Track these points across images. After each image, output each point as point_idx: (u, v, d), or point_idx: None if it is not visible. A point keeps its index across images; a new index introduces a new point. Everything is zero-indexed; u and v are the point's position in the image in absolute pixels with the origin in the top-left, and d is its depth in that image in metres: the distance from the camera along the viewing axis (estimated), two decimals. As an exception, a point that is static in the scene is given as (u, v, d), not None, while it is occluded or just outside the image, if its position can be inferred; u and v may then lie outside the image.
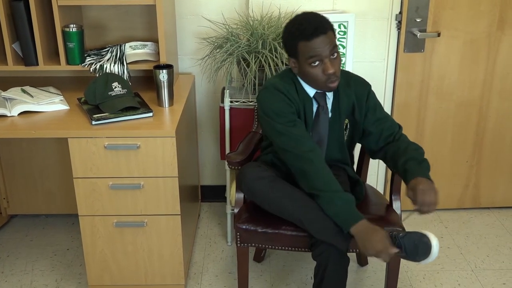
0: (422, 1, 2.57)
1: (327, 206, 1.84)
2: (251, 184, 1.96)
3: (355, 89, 2.05)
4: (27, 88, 2.34)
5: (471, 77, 2.75)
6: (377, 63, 2.74)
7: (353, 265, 2.55)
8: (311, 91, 2.01)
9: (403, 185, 2.03)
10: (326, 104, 2.02)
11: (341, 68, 1.98)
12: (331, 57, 1.89)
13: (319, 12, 1.95)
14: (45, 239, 2.77)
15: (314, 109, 2.03)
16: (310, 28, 1.86)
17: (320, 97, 2.01)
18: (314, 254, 1.93)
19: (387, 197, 2.21)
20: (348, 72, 2.12)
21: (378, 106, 2.08)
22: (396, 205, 2.12)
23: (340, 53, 2.53)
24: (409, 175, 1.87)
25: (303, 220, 1.88)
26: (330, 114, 2.04)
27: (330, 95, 2.03)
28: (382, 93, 2.78)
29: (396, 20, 2.65)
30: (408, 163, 1.90)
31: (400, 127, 2.08)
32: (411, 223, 2.88)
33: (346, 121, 2.08)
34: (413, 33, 2.62)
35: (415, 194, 1.80)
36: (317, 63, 1.88)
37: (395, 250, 1.75)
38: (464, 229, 2.87)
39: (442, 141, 2.87)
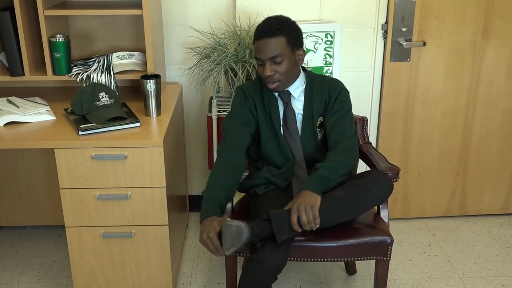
0: (407, 11, 2.60)
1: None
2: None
3: (329, 88, 2.09)
4: (13, 98, 2.32)
5: (456, 86, 2.78)
6: (364, 72, 2.75)
7: (341, 273, 2.55)
8: None
9: (392, 194, 2.05)
10: (290, 101, 2.08)
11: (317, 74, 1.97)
12: (274, 61, 1.95)
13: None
14: (31, 251, 2.74)
15: (281, 107, 2.09)
16: (260, 29, 1.96)
17: (284, 95, 2.08)
18: None
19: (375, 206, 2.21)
20: (325, 76, 2.16)
21: (342, 111, 2.06)
22: (384, 214, 2.12)
23: (327, 62, 2.56)
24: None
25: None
26: (302, 112, 2.09)
27: (296, 94, 2.08)
28: (369, 102, 2.80)
29: (382, 29, 2.67)
30: (310, 175, 1.93)
31: (351, 136, 2.03)
32: (399, 231, 2.90)
33: (321, 119, 2.11)
34: (399, 43, 2.65)
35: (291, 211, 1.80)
36: (260, 62, 1.98)
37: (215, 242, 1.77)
38: (451, 236, 2.88)
39: (429, 149, 2.89)
